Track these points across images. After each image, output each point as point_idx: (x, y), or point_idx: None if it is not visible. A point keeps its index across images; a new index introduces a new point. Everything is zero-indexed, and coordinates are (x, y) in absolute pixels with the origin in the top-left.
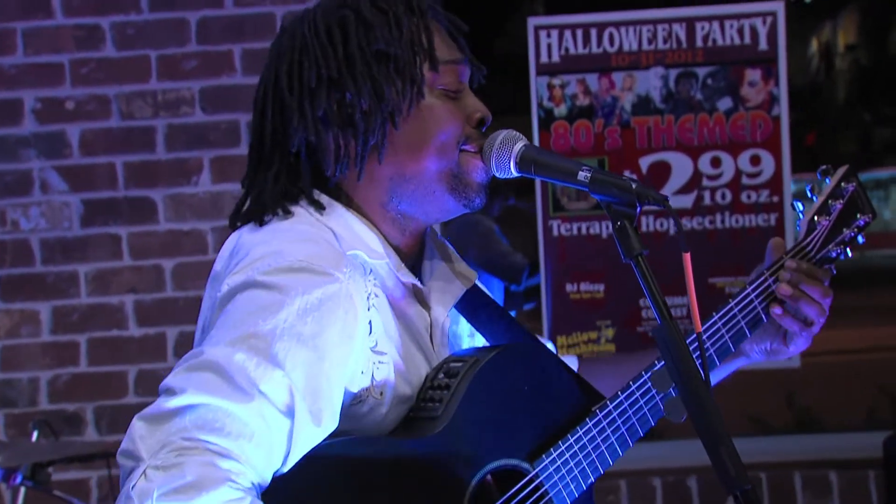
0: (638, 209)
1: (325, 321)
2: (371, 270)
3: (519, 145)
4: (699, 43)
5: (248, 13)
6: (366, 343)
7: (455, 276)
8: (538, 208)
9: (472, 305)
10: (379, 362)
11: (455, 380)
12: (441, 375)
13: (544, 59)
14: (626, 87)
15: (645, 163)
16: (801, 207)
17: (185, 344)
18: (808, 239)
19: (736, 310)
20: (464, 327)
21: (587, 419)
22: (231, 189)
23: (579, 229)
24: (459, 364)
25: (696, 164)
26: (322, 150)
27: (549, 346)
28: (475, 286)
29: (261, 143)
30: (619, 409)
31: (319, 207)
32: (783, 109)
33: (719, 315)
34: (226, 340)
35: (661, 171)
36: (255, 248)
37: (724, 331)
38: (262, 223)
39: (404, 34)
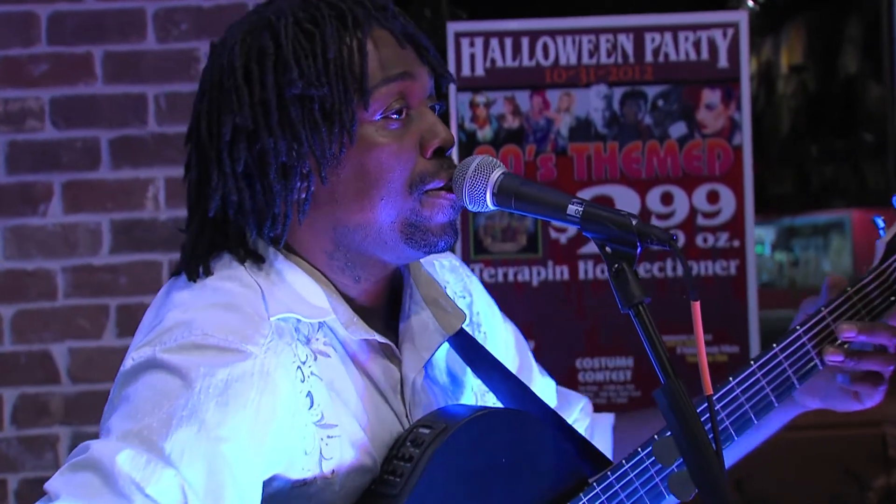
0: (639, 249)
1: (232, 406)
2: (320, 326)
3: (497, 174)
4: (648, 58)
5: (112, 8)
6: (306, 419)
7: (438, 321)
8: (458, 249)
9: (466, 352)
10: (328, 437)
11: (419, 450)
12: (408, 443)
13: (466, 72)
14: (562, 107)
15: (584, 196)
16: (881, 224)
17: (25, 409)
18: (887, 264)
19: (781, 356)
20: (470, 380)
21: (581, 494)
22: (87, 221)
23: (506, 275)
24: (427, 431)
25: (644, 200)
26: (243, 208)
27: (551, 392)
28: (463, 331)
29: (189, 189)
30: (623, 482)
31: (257, 260)
32: (746, 138)
33: (758, 363)
34: (117, 433)
35: None
36: (171, 312)
37: (764, 382)
38: (190, 276)
39: (332, 65)
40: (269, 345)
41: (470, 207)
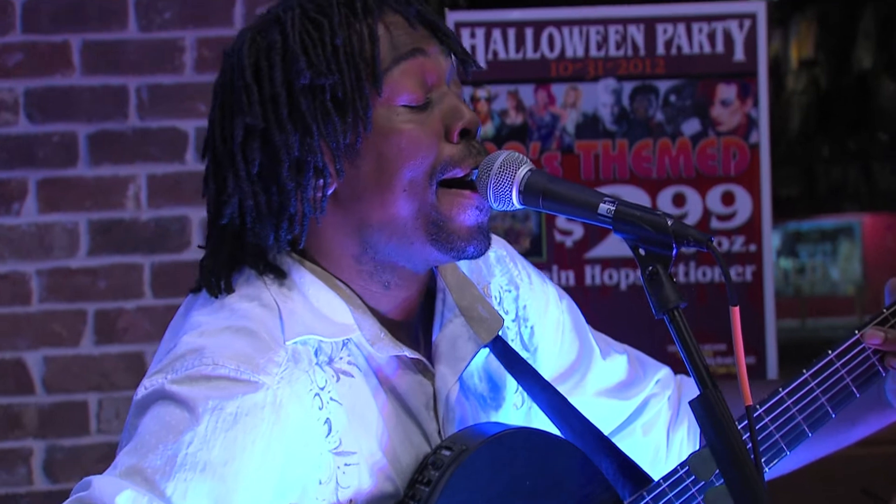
0: (674, 251)
1: (241, 442)
2: (344, 344)
3: (524, 170)
4: (660, 50)
5: None
6: (321, 447)
7: (473, 328)
8: None
9: (506, 357)
10: (345, 465)
11: (439, 473)
12: (430, 466)
13: None
14: (568, 102)
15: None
16: None
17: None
18: None
19: (838, 363)
20: (510, 382)
21: None
22: (64, 220)
23: None
24: (448, 454)
25: (655, 201)
26: (259, 213)
27: (620, 369)
28: (500, 337)
29: (208, 203)
30: (661, 502)
31: (280, 275)
32: (763, 136)
33: (811, 371)
34: (121, 468)
35: None
36: (187, 336)
37: (818, 391)
38: (211, 292)
39: (341, 52)
40: (283, 374)
41: (495, 206)
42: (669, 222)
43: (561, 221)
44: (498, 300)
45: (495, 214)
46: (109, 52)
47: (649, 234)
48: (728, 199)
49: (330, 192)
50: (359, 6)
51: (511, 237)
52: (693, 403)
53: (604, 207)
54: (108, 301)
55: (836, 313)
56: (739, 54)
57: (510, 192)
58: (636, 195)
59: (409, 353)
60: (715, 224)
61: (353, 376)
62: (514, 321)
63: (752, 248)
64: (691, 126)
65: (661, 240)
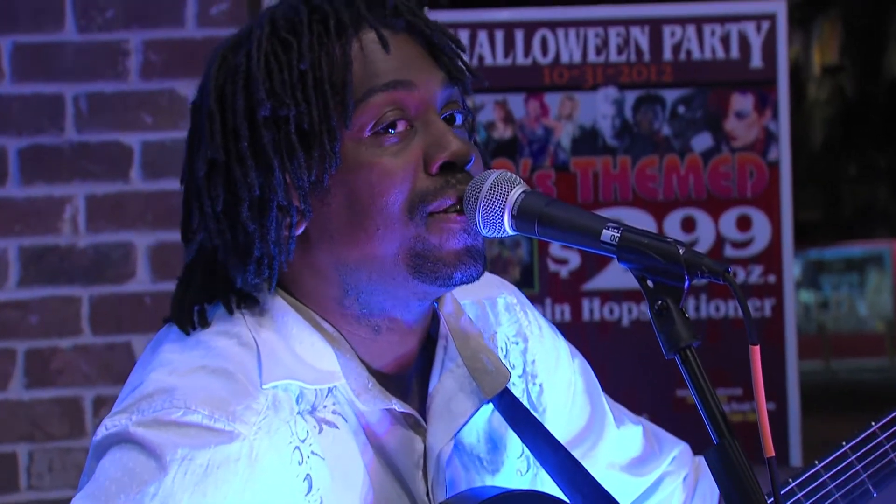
0: (686, 283)
1: (212, 496)
2: (329, 392)
3: (517, 192)
4: (667, 55)
5: None
6: None
7: (476, 381)
8: None
9: (511, 413)
10: None
11: None
12: None
13: None
14: (564, 114)
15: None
16: None
17: None
18: None
19: (882, 436)
20: (514, 445)
21: None
22: None
23: None
24: None
25: (661, 226)
26: (226, 253)
27: (636, 441)
28: (506, 391)
29: (183, 236)
30: None
31: (259, 311)
32: (783, 152)
33: (824, 464)
34: None
35: None
36: (156, 372)
37: (831, 486)
38: (183, 329)
39: (308, 78)
40: (262, 423)
41: (485, 233)
42: (681, 250)
43: (555, 249)
44: (504, 352)
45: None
46: (43, 56)
47: (658, 264)
48: (744, 223)
49: (299, 232)
50: (332, 24)
51: (499, 267)
52: (708, 455)
53: (607, 234)
54: (41, 339)
55: (864, 353)
56: (757, 60)
57: (501, 216)
58: (640, 219)
59: (399, 406)
60: (729, 252)
61: (337, 427)
62: (520, 377)
63: (771, 278)
64: (702, 141)
65: (672, 270)
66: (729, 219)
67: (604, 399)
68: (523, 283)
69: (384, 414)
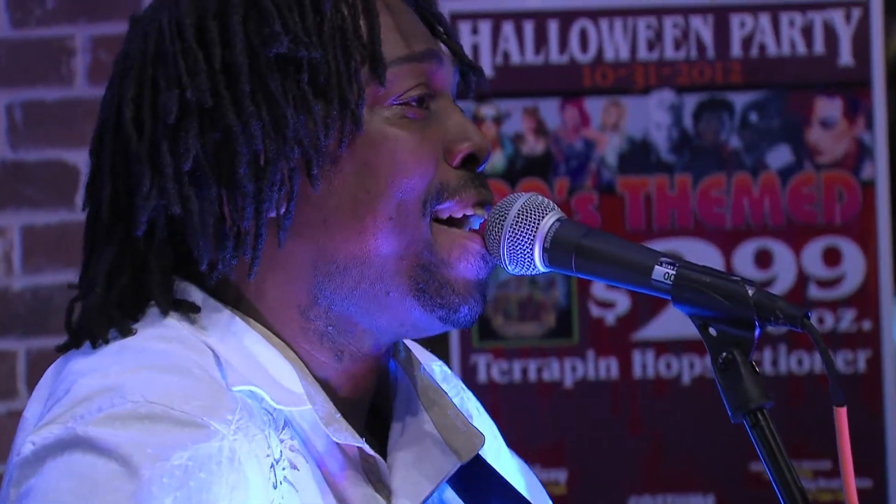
0: (757, 332)
1: None
2: (286, 421)
3: (550, 220)
4: (736, 51)
5: None
6: None
7: (445, 438)
8: (452, 332)
9: (471, 487)
10: None
11: None
12: None
13: None
14: (608, 123)
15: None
16: None
17: None
18: None
19: None
20: None
21: None
22: None
23: (525, 372)
24: None
25: (729, 260)
26: (192, 226)
27: None
28: (479, 458)
29: (96, 218)
30: None
31: (190, 311)
32: (880, 169)
33: None
34: None
35: None
36: (82, 380)
37: None
38: (96, 344)
39: (327, 21)
40: (239, 423)
41: (510, 269)
42: (750, 291)
43: (598, 289)
44: None
45: (506, 280)
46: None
47: (723, 308)
48: (832, 257)
49: (293, 207)
50: None
51: (530, 312)
52: None
53: (660, 271)
54: None
55: None
56: (846, 56)
57: (531, 249)
58: (703, 252)
59: (367, 447)
60: (814, 293)
61: (297, 469)
62: None
63: (867, 325)
64: (780, 156)
65: (740, 315)
66: (813, 251)
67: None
68: (560, 332)
69: (345, 459)
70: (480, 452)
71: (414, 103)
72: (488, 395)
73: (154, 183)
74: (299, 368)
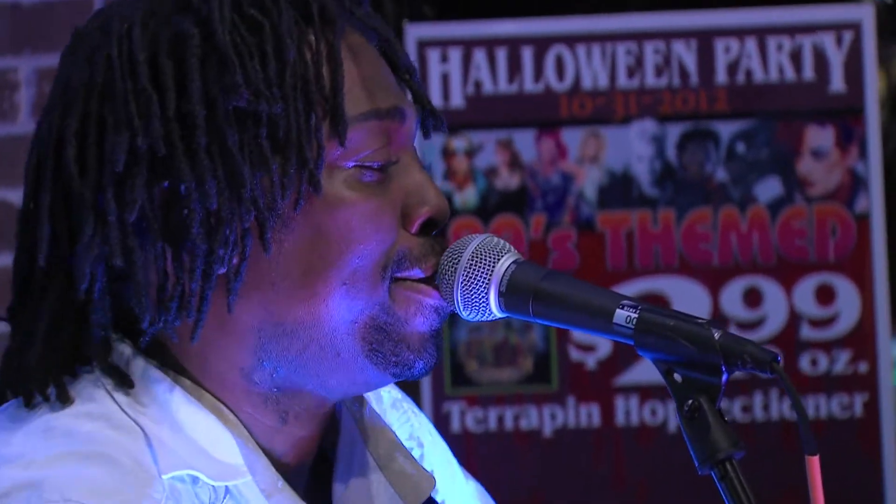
0: (724, 377)
1: None
2: (226, 493)
3: (505, 262)
4: (721, 77)
5: None
6: None
7: (394, 486)
8: (423, 379)
9: None
10: None
11: None
12: None
13: (436, 101)
14: (587, 155)
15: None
16: None
17: None
18: None
19: None
20: None
21: None
22: None
23: (501, 420)
24: None
25: (717, 300)
26: (134, 282)
27: None
28: (431, 501)
29: (29, 262)
30: None
31: (123, 383)
32: (875, 202)
33: None
34: None
35: None
36: (4, 469)
37: None
38: (30, 402)
39: (289, 70)
40: None
41: (465, 315)
42: (716, 334)
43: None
44: None
45: (479, 325)
46: None
47: (688, 353)
48: (825, 295)
49: (243, 268)
50: (315, 10)
51: (506, 356)
52: None
53: (622, 314)
54: None
55: None
56: (838, 82)
57: (486, 295)
58: (689, 291)
59: None
60: (806, 333)
61: None
62: None
63: (862, 367)
64: (769, 189)
65: (705, 360)
66: (805, 289)
67: None
68: (538, 378)
69: None
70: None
71: (375, 166)
72: (463, 445)
73: (97, 230)
74: (240, 435)
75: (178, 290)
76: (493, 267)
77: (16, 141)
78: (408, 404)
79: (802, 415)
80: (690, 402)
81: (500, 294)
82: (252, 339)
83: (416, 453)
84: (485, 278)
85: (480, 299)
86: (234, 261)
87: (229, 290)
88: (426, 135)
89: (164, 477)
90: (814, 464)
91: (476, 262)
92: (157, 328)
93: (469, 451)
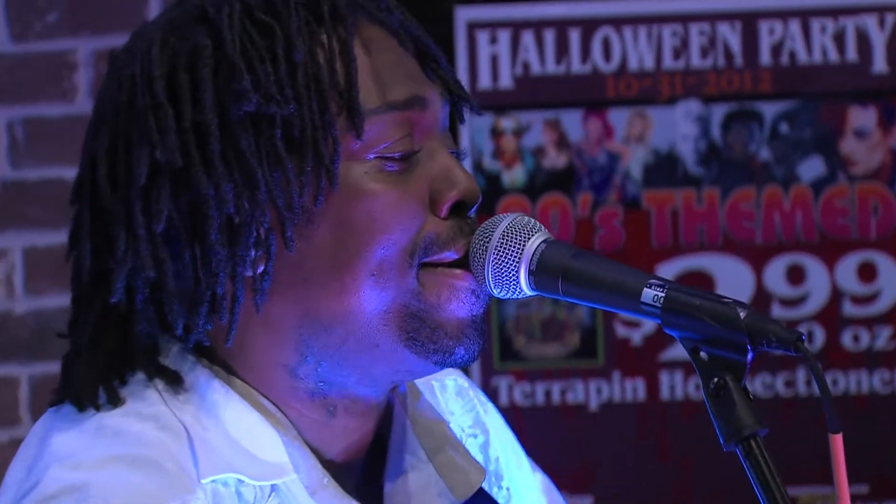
0: (750, 356)
1: None
2: (273, 490)
3: (535, 241)
4: (765, 59)
5: None
6: None
7: (444, 479)
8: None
9: None
10: None
11: None
12: None
13: (486, 83)
14: (633, 135)
15: (666, 273)
16: None
17: None
18: None
19: None
20: None
21: None
22: None
23: (548, 394)
24: None
25: (760, 277)
26: (166, 290)
27: None
28: (481, 492)
29: (78, 271)
30: None
31: (174, 381)
32: None
33: None
34: None
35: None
36: (53, 469)
37: None
38: (83, 406)
39: (301, 72)
40: None
41: (496, 293)
42: (742, 314)
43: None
44: None
45: (528, 301)
46: None
47: (714, 332)
48: (867, 272)
49: (270, 268)
50: (325, 9)
51: (553, 332)
52: None
53: (649, 293)
54: None
55: None
56: (880, 63)
57: (517, 272)
58: (734, 269)
59: None
60: (849, 309)
61: None
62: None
63: None
64: (812, 168)
65: (731, 339)
66: (848, 266)
67: None
68: (584, 353)
69: None
70: (486, 485)
71: (395, 154)
72: (510, 418)
73: (129, 245)
74: (286, 433)
75: (208, 294)
76: (524, 245)
77: (74, 120)
78: (474, 392)
79: (826, 393)
80: (716, 380)
81: (529, 272)
82: (293, 335)
83: (479, 440)
84: (515, 257)
85: (511, 277)
86: (261, 261)
87: (256, 290)
88: (460, 120)
89: (203, 481)
90: (837, 442)
91: (507, 240)
92: (198, 334)
93: (516, 425)
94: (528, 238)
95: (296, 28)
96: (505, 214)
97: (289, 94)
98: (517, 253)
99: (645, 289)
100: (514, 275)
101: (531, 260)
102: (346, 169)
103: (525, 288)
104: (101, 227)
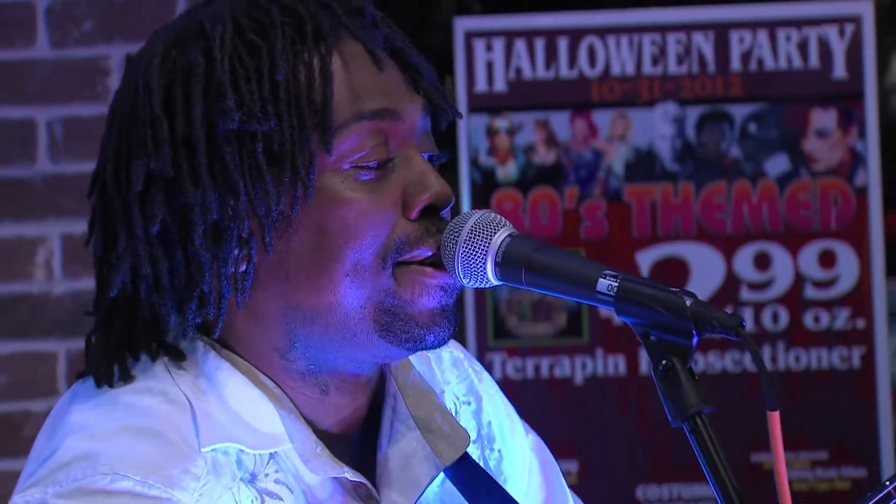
0: (695, 340)
1: None
2: (271, 457)
3: (501, 235)
4: (735, 65)
5: None
6: None
7: (431, 445)
8: (469, 332)
9: (467, 484)
10: None
11: None
12: None
13: (482, 86)
14: (615, 134)
15: (645, 260)
16: None
17: None
18: None
19: None
20: None
21: None
22: None
23: (538, 369)
24: None
25: (730, 263)
26: (159, 286)
27: None
28: (465, 457)
29: (98, 264)
30: None
31: (178, 358)
32: (872, 176)
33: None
34: None
35: (673, 275)
36: (69, 439)
37: None
38: (100, 382)
39: (282, 91)
40: (203, 489)
41: (465, 283)
42: (688, 302)
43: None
44: (454, 413)
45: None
46: (11, 76)
47: (662, 318)
48: (827, 259)
49: (242, 268)
50: (309, 29)
51: (541, 312)
52: None
53: (604, 283)
54: (10, 401)
55: None
56: (840, 70)
57: (484, 264)
58: (706, 256)
59: (350, 474)
60: (810, 293)
61: (281, 499)
62: (475, 442)
63: (860, 323)
64: (778, 164)
65: (678, 325)
66: (810, 254)
67: (564, 482)
68: (570, 331)
69: (332, 483)
70: (472, 445)
71: (370, 163)
72: (503, 391)
73: (128, 243)
74: (282, 407)
75: (197, 291)
76: (491, 239)
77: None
78: (469, 362)
79: (764, 373)
80: (665, 362)
81: (496, 264)
82: (280, 324)
83: (472, 407)
84: (483, 249)
85: (479, 269)
86: (243, 262)
87: (237, 289)
88: (438, 126)
89: (204, 450)
90: (774, 419)
91: (475, 234)
92: (198, 316)
93: (508, 397)
94: (495, 232)
95: (280, 48)
96: (473, 211)
97: (270, 111)
98: (484, 246)
99: (600, 279)
100: (481, 266)
101: (497, 252)
102: (323, 178)
103: (492, 278)
104: (107, 222)
